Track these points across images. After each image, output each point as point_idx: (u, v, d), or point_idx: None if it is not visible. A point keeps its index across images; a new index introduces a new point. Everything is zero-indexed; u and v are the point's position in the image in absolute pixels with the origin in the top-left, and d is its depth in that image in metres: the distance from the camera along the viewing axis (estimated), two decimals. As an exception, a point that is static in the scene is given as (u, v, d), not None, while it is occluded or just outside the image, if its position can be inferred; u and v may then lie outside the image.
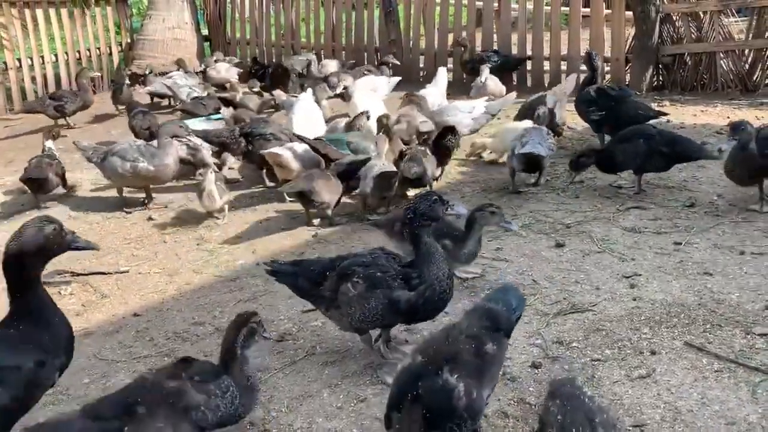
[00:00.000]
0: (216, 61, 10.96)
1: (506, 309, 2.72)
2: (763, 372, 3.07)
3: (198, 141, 6.21)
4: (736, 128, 4.74)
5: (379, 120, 5.92)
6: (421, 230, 3.11)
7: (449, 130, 5.80)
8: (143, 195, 6.17)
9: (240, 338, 2.74)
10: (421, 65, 11.04)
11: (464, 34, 10.67)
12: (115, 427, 2.39)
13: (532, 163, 5.51)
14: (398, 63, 10.02)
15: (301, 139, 5.79)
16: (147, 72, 10.65)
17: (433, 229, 3.20)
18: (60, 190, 6.36)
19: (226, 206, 5.60)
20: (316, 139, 5.88)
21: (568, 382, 2.45)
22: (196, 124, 7.44)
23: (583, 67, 9.41)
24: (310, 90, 7.45)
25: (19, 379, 2.65)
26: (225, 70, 10.61)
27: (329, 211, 5.30)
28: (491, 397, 2.63)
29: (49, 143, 6.53)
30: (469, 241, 3.97)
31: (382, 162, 5.36)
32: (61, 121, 9.22)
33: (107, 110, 9.99)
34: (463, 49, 10.02)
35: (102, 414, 2.45)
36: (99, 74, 11.37)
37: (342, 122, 6.80)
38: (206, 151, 6.41)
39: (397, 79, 8.88)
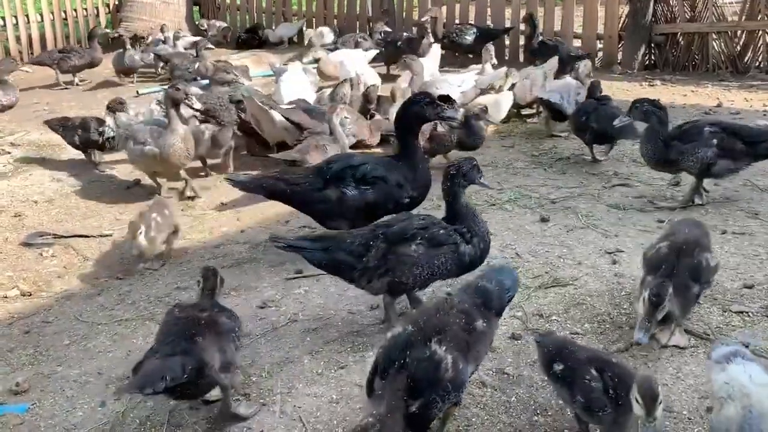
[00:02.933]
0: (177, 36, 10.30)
1: (499, 289, 2.74)
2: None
3: (198, 104, 5.49)
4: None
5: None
6: (459, 189, 3.27)
7: (445, 99, 5.82)
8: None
9: None
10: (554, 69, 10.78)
11: (457, 8, 10.56)
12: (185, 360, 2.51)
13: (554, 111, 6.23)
14: (389, 31, 9.90)
15: (271, 107, 5.74)
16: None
17: None
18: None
19: (170, 246, 4.36)
20: (289, 107, 5.84)
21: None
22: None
23: (577, 44, 9.45)
24: (298, 60, 7.38)
25: (382, 188, 4.03)
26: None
27: None
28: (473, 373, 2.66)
29: (110, 120, 5.90)
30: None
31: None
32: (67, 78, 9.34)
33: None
34: (433, 23, 9.56)
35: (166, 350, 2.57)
36: (114, 32, 10.90)
37: (328, 91, 6.75)
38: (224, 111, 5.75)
39: (375, 51, 8.73)
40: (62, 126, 6.16)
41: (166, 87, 6.60)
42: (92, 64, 9.39)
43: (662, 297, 2.94)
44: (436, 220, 3.34)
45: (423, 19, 9.51)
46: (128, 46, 9.19)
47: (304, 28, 10.94)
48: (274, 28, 11.74)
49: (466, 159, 3.34)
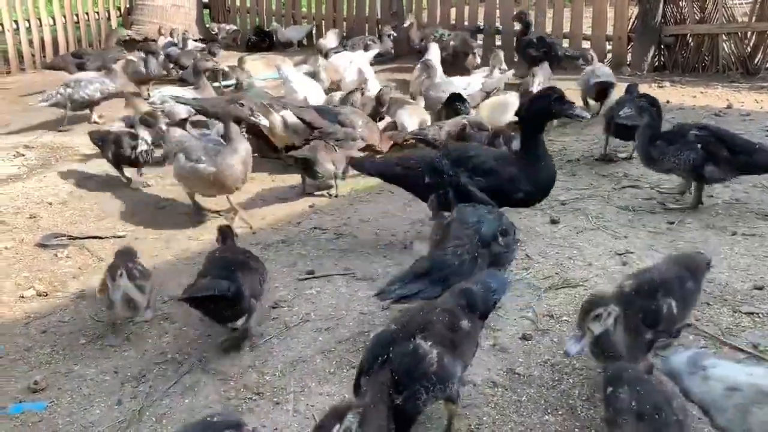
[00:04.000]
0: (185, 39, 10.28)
1: (484, 291, 2.74)
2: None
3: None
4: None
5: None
6: (538, 125, 3.82)
7: (456, 97, 5.99)
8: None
9: None
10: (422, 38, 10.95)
11: (466, 10, 10.59)
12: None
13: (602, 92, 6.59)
14: (395, 34, 9.94)
15: (285, 105, 5.79)
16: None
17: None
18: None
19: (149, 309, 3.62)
20: (301, 107, 5.89)
21: (628, 366, 2.47)
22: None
23: (586, 45, 9.45)
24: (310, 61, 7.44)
25: (493, 183, 4.04)
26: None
27: (332, 181, 5.35)
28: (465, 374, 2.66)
29: (144, 133, 5.67)
30: None
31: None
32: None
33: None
34: (409, 29, 9.45)
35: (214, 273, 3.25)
36: (128, 34, 10.95)
37: (338, 95, 6.81)
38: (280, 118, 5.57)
39: (375, 50, 8.78)
40: (102, 140, 5.82)
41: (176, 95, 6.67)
42: (106, 67, 9.42)
43: (594, 305, 2.63)
44: (502, 213, 3.60)
45: (404, 26, 9.60)
46: (143, 55, 8.84)
47: (314, 31, 11.00)
48: (284, 29, 11.79)
49: (546, 91, 3.80)
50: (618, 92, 6.47)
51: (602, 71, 6.89)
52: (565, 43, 9.61)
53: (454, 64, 7.61)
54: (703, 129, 4.61)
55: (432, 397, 2.42)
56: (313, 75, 7.54)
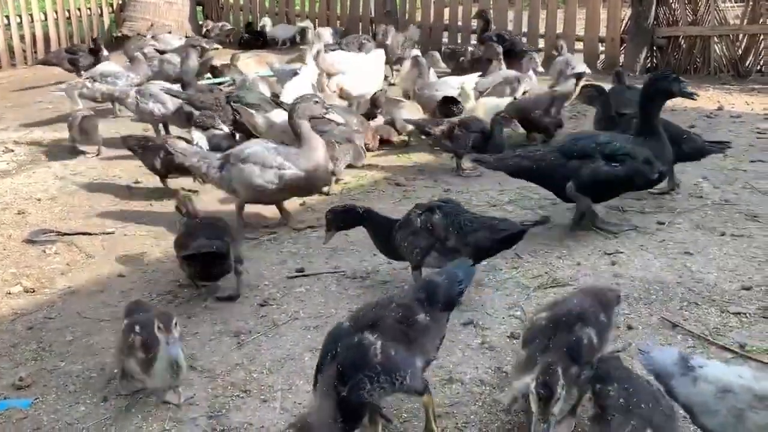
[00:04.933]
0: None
1: (448, 281, 2.68)
2: (731, 351, 3.13)
3: (340, 119, 4.88)
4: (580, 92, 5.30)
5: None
6: (658, 105, 4.09)
7: (450, 101, 6.02)
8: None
9: None
10: (417, 38, 10.95)
11: (459, 10, 10.59)
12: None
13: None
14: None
15: (279, 105, 5.78)
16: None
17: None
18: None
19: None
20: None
21: (617, 363, 2.47)
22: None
23: (579, 46, 9.48)
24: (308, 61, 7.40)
25: (630, 165, 4.11)
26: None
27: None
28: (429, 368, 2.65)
29: (199, 138, 5.44)
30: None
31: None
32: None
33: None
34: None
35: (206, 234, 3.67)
36: (118, 32, 10.75)
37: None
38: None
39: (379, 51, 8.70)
40: (142, 146, 5.43)
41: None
42: (98, 63, 9.35)
43: (553, 387, 2.27)
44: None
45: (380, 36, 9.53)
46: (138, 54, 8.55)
47: (307, 32, 10.98)
48: (272, 26, 11.69)
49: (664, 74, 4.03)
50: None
51: (575, 62, 7.27)
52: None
53: (475, 69, 7.49)
54: None
55: (378, 387, 2.37)
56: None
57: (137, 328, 2.90)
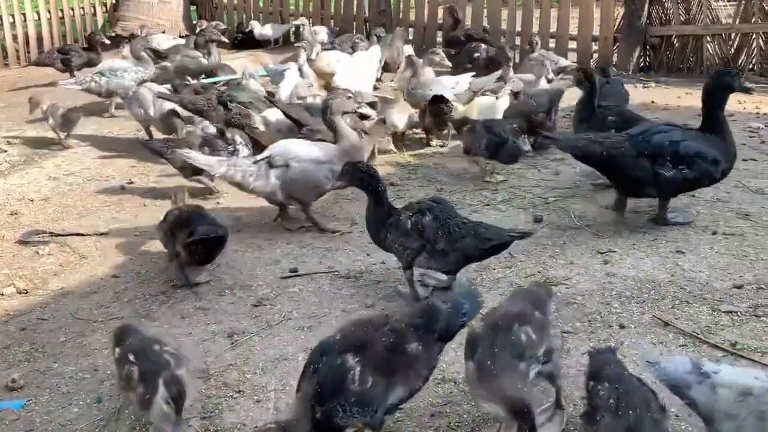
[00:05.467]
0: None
1: (451, 311, 2.55)
2: (722, 350, 3.15)
3: (372, 111, 4.90)
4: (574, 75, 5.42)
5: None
6: (721, 101, 4.22)
7: (439, 99, 6.00)
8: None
9: None
10: (410, 38, 10.96)
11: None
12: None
13: None
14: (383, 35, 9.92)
15: (273, 103, 5.77)
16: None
17: None
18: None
19: None
20: (289, 104, 5.88)
21: (611, 357, 2.45)
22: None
23: (572, 45, 9.50)
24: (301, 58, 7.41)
25: (700, 166, 4.19)
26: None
27: None
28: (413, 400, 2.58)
29: (237, 135, 5.32)
30: None
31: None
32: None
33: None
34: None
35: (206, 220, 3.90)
36: (111, 32, 10.81)
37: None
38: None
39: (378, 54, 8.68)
40: (169, 147, 5.18)
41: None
42: (91, 63, 9.33)
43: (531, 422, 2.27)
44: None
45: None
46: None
47: (302, 29, 10.94)
48: (261, 26, 11.60)
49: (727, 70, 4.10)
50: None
51: (552, 56, 7.58)
52: (552, 43, 9.66)
53: (491, 70, 7.46)
54: (620, 114, 5.18)
55: (350, 417, 2.30)
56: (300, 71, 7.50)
57: (131, 357, 2.68)
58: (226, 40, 8.87)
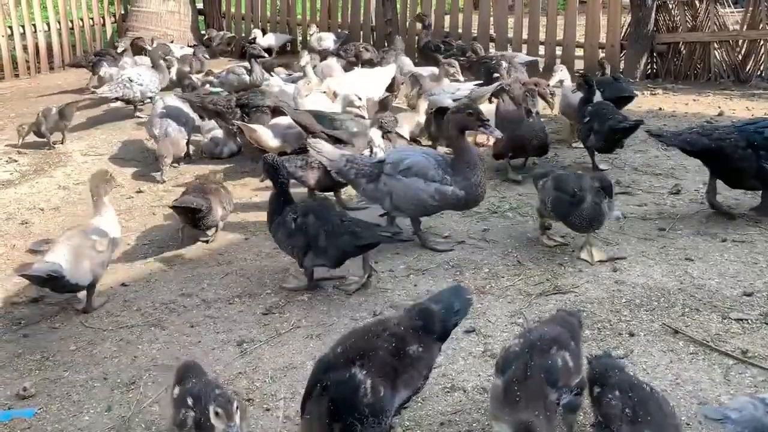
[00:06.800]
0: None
1: (445, 311, 2.57)
2: (733, 358, 3.14)
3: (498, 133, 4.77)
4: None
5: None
6: None
7: (443, 111, 5.98)
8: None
9: None
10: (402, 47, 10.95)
11: (460, 17, 10.63)
12: None
13: None
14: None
15: (283, 109, 5.80)
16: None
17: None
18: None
19: None
20: (298, 110, 5.89)
21: (613, 363, 2.44)
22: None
23: (578, 52, 9.50)
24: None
25: None
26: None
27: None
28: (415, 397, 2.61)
29: (380, 140, 5.25)
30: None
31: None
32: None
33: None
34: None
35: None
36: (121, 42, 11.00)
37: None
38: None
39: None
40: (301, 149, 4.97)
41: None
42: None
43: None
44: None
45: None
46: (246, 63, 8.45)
47: (309, 36, 10.97)
48: (262, 36, 11.62)
49: None
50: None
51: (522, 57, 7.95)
52: (558, 51, 9.67)
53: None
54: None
55: (368, 428, 2.31)
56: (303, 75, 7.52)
57: (189, 401, 2.47)
58: (267, 56, 9.07)
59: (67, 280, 3.60)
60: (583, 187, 4.00)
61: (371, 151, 5.19)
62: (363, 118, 5.73)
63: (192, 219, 4.49)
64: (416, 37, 10.37)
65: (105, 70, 8.78)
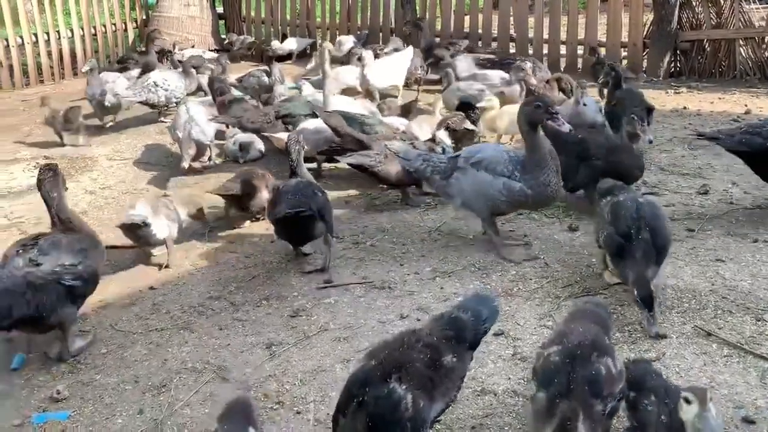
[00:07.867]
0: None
1: (474, 319, 2.56)
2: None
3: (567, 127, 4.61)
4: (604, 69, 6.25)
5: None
6: None
7: (467, 105, 6.03)
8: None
9: None
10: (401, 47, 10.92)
11: (480, 18, 10.59)
12: None
13: None
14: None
15: (314, 111, 5.83)
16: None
17: None
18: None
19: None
20: (328, 112, 5.89)
21: (649, 368, 2.41)
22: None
23: (601, 52, 9.40)
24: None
25: None
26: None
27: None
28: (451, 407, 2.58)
29: (446, 138, 5.34)
30: None
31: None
32: None
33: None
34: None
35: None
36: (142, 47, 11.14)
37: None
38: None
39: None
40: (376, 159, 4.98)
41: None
42: (148, 68, 9.39)
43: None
44: None
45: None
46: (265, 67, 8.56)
47: (327, 41, 11.00)
48: (281, 42, 11.67)
49: None
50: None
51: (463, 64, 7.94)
52: (580, 50, 9.59)
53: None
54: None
55: None
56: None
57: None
58: (284, 54, 9.24)
59: (151, 230, 4.31)
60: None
61: (443, 151, 5.13)
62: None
63: (238, 202, 4.87)
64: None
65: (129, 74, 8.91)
